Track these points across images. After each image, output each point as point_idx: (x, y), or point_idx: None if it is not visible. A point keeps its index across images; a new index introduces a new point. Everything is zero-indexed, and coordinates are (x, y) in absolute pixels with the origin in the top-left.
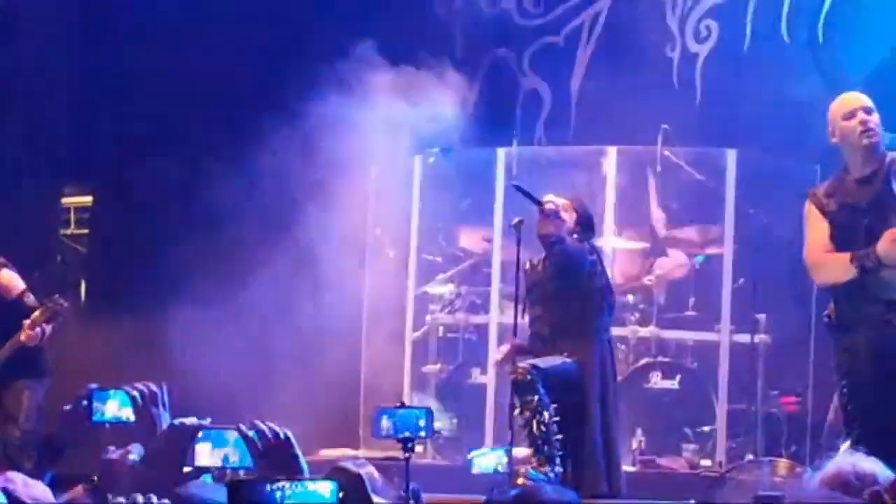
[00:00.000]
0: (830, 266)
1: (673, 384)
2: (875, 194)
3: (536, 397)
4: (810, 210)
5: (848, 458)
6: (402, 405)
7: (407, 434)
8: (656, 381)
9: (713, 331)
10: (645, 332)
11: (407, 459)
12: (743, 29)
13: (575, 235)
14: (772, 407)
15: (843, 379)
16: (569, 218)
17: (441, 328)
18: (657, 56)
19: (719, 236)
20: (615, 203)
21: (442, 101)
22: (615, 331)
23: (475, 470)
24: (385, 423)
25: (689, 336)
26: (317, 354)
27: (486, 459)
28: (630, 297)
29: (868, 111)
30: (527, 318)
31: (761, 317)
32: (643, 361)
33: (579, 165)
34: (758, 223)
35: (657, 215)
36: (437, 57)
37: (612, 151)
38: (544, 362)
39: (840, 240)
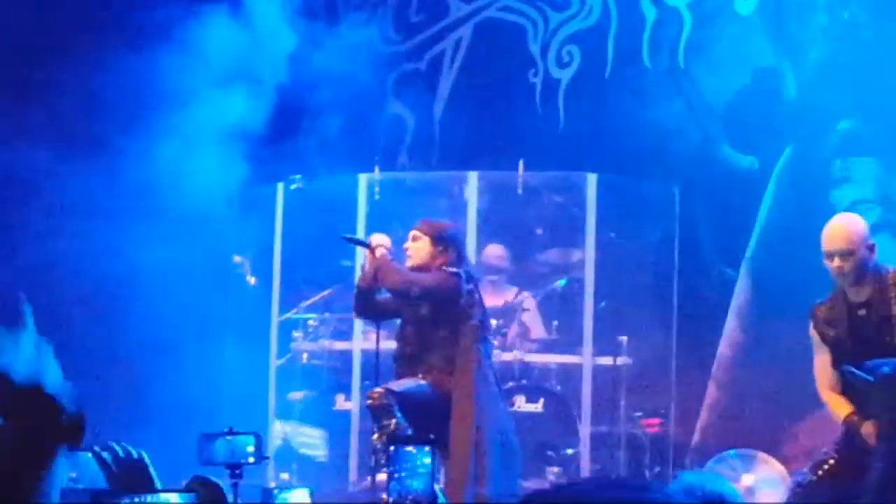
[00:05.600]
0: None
1: (537, 407)
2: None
3: (394, 421)
4: None
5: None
6: (231, 431)
7: (241, 461)
8: (520, 404)
9: (576, 353)
10: (508, 356)
11: (235, 486)
12: (605, 54)
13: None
14: (635, 428)
15: None
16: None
17: (305, 355)
18: (519, 81)
19: (580, 260)
20: (476, 228)
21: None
22: None
23: None
24: (213, 449)
25: (553, 359)
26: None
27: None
28: (493, 322)
29: (842, 256)
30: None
31: (623, 339)
32: (507, 385)
33: (441, 191)
34: (618, 246)
35: (495, 251)
36: None
37: (472, 177)
38: (399, 385)
39: None
